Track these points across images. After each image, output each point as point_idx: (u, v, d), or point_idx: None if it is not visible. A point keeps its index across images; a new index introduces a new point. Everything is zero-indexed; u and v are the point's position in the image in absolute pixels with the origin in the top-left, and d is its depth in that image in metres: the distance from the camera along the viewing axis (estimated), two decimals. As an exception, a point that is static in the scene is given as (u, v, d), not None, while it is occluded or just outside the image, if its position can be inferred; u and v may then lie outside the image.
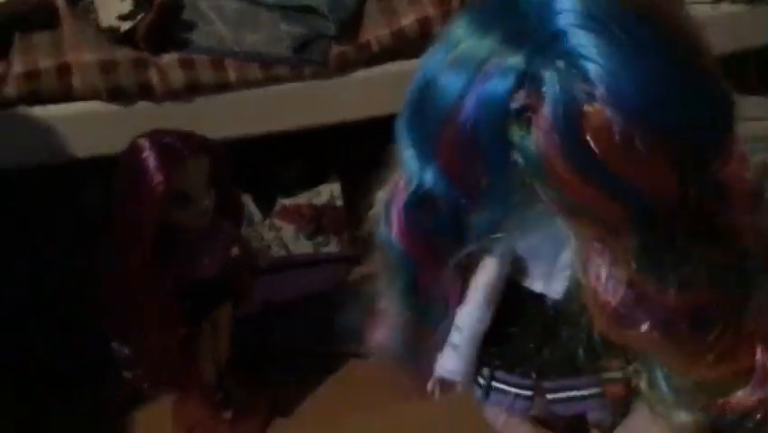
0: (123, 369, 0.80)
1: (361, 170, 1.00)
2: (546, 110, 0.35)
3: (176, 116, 0.88)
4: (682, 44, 0.36)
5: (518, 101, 0.35)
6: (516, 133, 0.36)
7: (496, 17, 0.37)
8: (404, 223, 0.42)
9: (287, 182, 1.12)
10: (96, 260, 0.75)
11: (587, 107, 0.35)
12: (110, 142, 0.85)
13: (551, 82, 0.35)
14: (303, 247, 1.09)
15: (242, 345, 0.90)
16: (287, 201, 1.09)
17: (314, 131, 0.98)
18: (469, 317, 0.50)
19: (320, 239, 1.10)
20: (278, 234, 1.09)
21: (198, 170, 0.73)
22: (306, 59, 0.91)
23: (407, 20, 0.93)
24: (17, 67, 0.85)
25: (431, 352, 0.50)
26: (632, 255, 0.37)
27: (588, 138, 0.35)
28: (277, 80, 0.91)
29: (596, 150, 0.35)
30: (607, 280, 0.38)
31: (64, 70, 0.86)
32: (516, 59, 0.35)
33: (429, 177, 0.39)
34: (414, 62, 0.96)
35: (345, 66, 0.93)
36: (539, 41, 0.35)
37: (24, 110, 0.86)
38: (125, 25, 0.86)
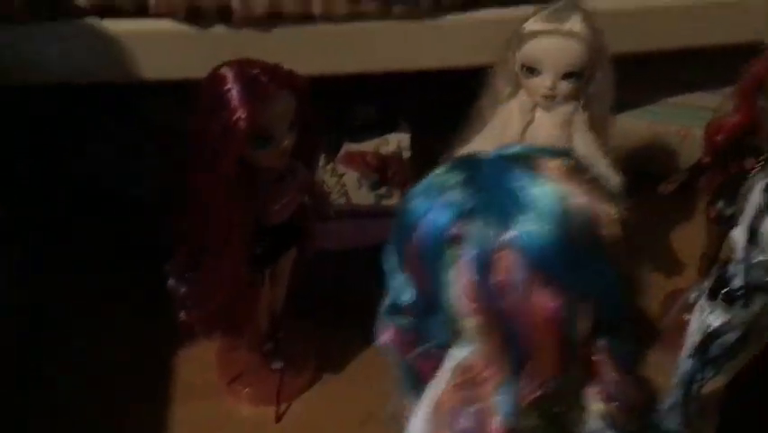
0: (179, 309, 0.76)
1: (434, 123, 0.95)
2: (467, 248, 0.41)
3: (254, 45, 0.82)
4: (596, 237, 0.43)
5: (453, 231, 0.42)
6: (449, 259, 0.42)
7: (466, 162, 0.44)
8: (388, 324, 0.47)
9: (353, 126, 1.06)
10: (165, 193, 0.70)
11: (501, 253, 0.40)
12: (182, 66, 0.80)
13: (477, 225, 0.41)
14: (364, 197, 1.04)
15: (296, 293, 0.86)
16: (352, 146, 1.03)
17: (389, 74, 0.91)
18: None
19: (383, 190, 1.04)
20: (341, 181, 1.03)
21: (283, 108, 0.67)
22: (396, -4, 0.85)
23: (510, -35, 0.85)
24: (90, -25, 0.79)
25: None
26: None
27: (496, 278, 0.40)
28: (363, 16, 0.85)
29: (501, 290, 0.41)
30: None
31: (141, -17, 0.80)
32: (458, 197, 0.42)
33: (402, 282, 0.45)
34: (511, 10, 0.92)
35: (438, 8, 0.86)
36: (481, 187, 0.42)
37: (95, 22, 0.81)
38: (210, -59, 0.79)
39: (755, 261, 0.62)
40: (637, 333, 0.48)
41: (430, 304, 0.44)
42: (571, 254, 0.41)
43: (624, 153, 1.07)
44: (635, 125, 1.08)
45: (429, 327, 0.45)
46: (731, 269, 0.65)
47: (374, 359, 0.87)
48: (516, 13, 0.82)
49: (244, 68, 0.66)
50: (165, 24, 0.82)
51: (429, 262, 0.43)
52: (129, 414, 0.83)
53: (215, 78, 0.66)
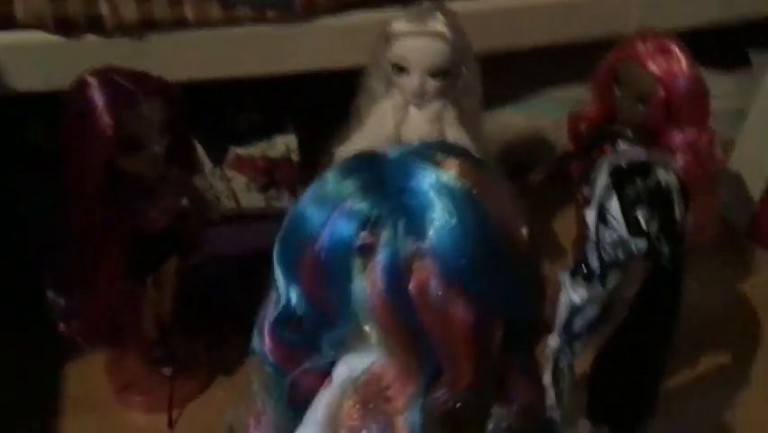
0: (59, 321, 0.75)
1: (318, 124, 0.97)
2: (379, 257, 0.40)
3: (127, 54, 0.82)
4: (508, 233, 0.41)
5: (361, 241, 0.40)
6: (357, 270, 0.41)
7: (362, 166, 0.42)
8: (273, 338, 0.45)
9: (240, 131, 1.07)
10: (37, 204, 0.69)
11: (414, 263, 0.39)
12: (54, 77, 0.79)
13: (387, 233, 0.40)
14: (254, 200, 1.05)
15: (184, 299, 0.86)
16: (240, 150, 1.04)
17: (272, 79, 0.93)
18: None
19: (272, 192, 1.05)
20: (229, 185, 1.04)
21: (152, 113, 0.68)
22: (269, 2, 0.86)
23: (380, -34, 0.88)
24: (-48, -12, 0.78)
25: None
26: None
27: (410, 289, 0.39)
28: (237, 22, 0.86)
29: (416, 302, 0.39)
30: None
31: (6, -6, 0.79)
32: (363, 205, 0.40)
33: (293, 296, 0.43)
34: (385, 12, 0.95)
35: (312, 11, 0.87)
36: (386, 192, 0.40)
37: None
38: (75, -50, 0.79)
39: (606, 239, 0.66)
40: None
41: (326, 319, 0.42)
42: (486, 263, 0.39)
43: (504, 147, 1.12)
44: (513, 120, 1.12)
45: (321, 343, 0.43)
46: (587, 248, 0.69)
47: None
48: (386, 15, 0.85)
49: (109, 75, 0.67)
50: (35, 36, 0.81)
51: (333, 275, 0.41)
52: (16, 430, 0.81)
53: (81, 87, 0.66)
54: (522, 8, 0.95)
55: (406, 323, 0.40)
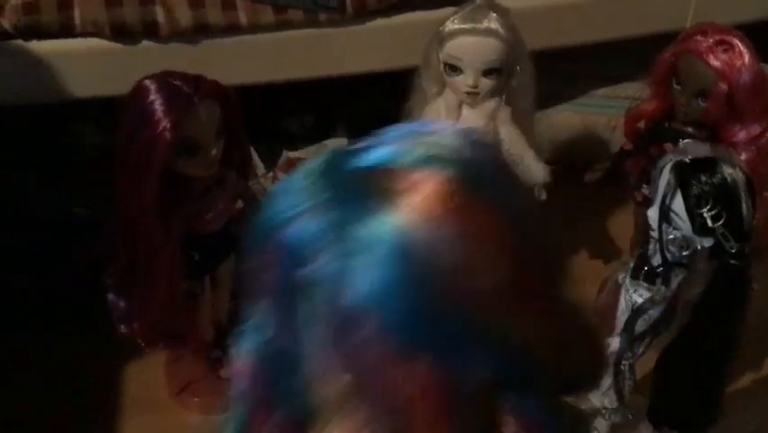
0: (119, 322, 0.76)
1: (370, 126, 0.97)
2: (318, 297, 0.35)
3: (182, 58, 0.83)
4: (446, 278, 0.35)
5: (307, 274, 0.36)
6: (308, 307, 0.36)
7: (330, 170, 0.38)
8: (248, 360, 0.41)
9: (292, 134, 1.07)
10: (96, 207, 0.70)
11: (355, 315, 0.35)
12: (111, 83, 0.80)
13: (325, 266, 0.35)
14: (306, 203, 1.05)
15: (240, 299, 0.86)
16: (292, 154, 1.04)
17: (323, 81, 0.93)
18: None
19: (324, 195, 1.05)
20: (282, 188, 1.05)
21: (208, 117, 0.68)
22: (321, 5, 0.86)
23: (431, -33, 0.88)
24: (14, -4, 0.80)
25: None
26: None
27: (355, 345, 0.35)
28: (290, 25, 0.86)
29: (363, 360, 0.35)
30: None
31: (65, 3, 0.81)
32: (313, 224, 0.36)
33: (260, 314, 0.39)
34: (435, 13, 0.94)
35: (363, 13, 0.87)
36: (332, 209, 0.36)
37: (21, 44, 0.81)
38: (132, -43, 0.80)
39: (670, 237, 0.64)
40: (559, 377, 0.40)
41: (289, 355, 0.38)
42: (436, 315, 0.34)
43: (558, 146, 1.11)
44: (568, 118, 1.11)
45: (285, 386, 0.38)
46: (650, 248, 0.68)
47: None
48: (438, 15, 0.84)
49: (167, 79, 0.67)
50: (92, 42, 0.83)
51: (287, 298, 0.36)
52: (76, 430, 0.83)
53: (139, 91, 0.67)
54: (577, 4, 0.94)
55: (359, 376, 0.36)
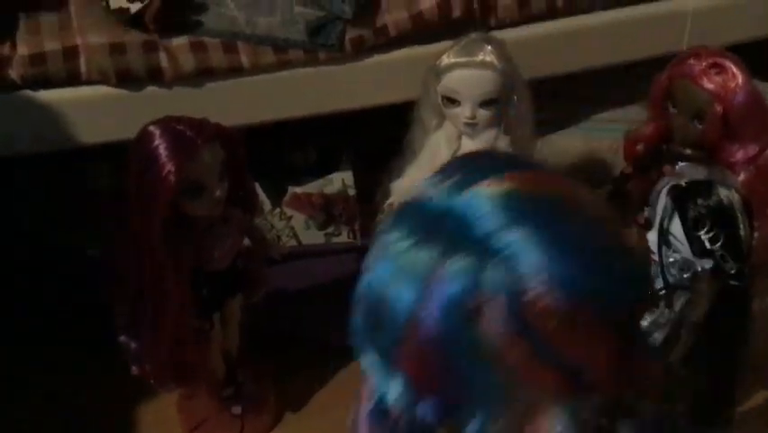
0: (131, 363, 0.77)
1: (374, 159, 0.98)
2: (492, 305, 0.38)
3: (186, 102, 0.84)
4: (602, 228, 0.40)
5: (475, 300, 0.38)
6: (469, 330, 0.38)
7: (429, 227, 0.39)
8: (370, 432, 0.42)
9: (297, 170, 1.09)
10: (105, 250, 0.72)
11: (527, 297, 0.37)
12: (118, 128, 0.82)
13: (491, 280, 0.38)
14: (314, 237, 1.06)
15: (250, 335, 0.88)
16: (298, 189, 1.06)
17: (326, 117, 0.95)
18: None
19: (331, 229, 1.07)
20: (289, 223, 1.06)
21: (212, 159, 0.70)
22: (320, 44, 0.88)
23: (427, 3, 0.89)
24: (22, 49, 0.82)
25: None
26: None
27: (533, 323, 0.37)
28: (290, 65, 0.88)
29: (541, 333, 0.37)
30: None
31: (71, 53, 0.82)
32: (458, 265, 0.38)
33: (393, 390, 0.40)
34: (432, 47, 0.96)
35: (361, 50, 0.89)
36: (471, 246, 0.38)
37: (29, 94, 0.83)
38: (135, 6, 0.82)
39: (670, 260, 0.65)
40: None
41: (444, 409, 0.39)
42: (594, 257, 0.38)
43: (561, 170, 1.11)
44: (570, 143, 1.12)
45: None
46: (651, 271, 0.68)
47: (333, 397, 0.90)
48: (434, 49, 0.86)
49: (171, 124, 0.69)
50: (99, 90, 0.85)
51: (450, 352, 0.38)
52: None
53: (144, 137, 0.69)
54: (572, 32, 0.95)
55: (536, 353, 0.38)
